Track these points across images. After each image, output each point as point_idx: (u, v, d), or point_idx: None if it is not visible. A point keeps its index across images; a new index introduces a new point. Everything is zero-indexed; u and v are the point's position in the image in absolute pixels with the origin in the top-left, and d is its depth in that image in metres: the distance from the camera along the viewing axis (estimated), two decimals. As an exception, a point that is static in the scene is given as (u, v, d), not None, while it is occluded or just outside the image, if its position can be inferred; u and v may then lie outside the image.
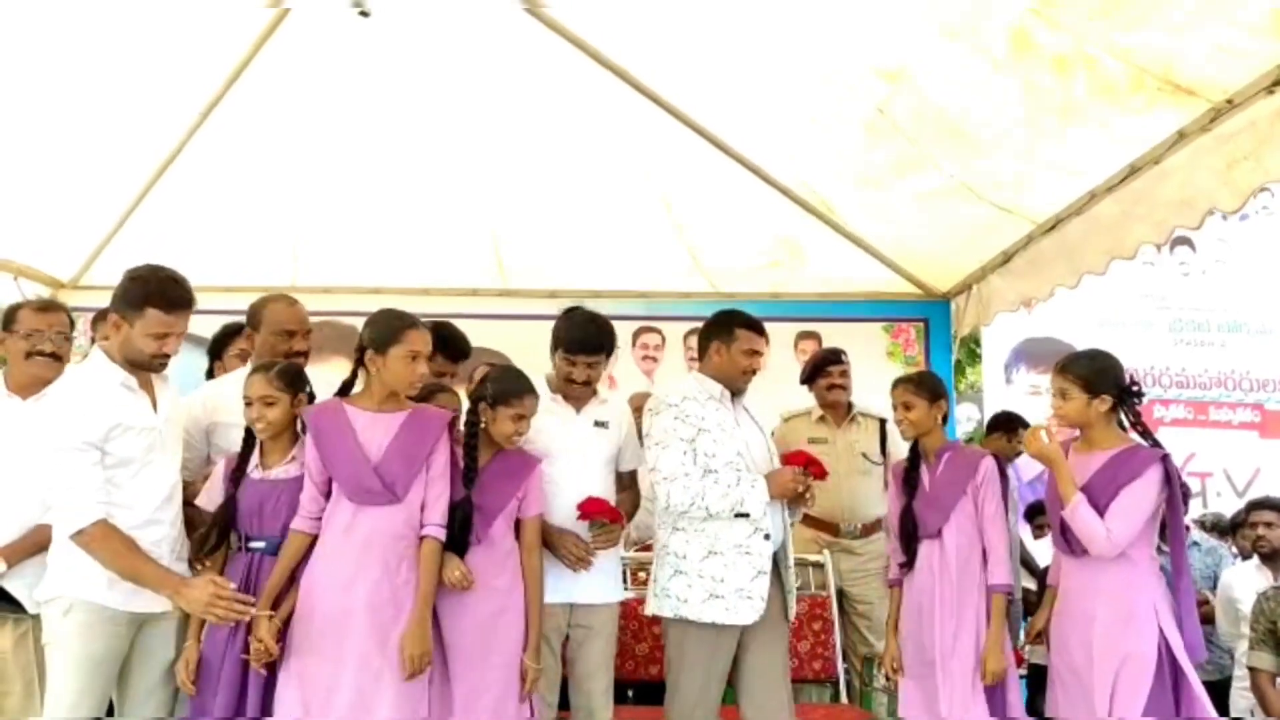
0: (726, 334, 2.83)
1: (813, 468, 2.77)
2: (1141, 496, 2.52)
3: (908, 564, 2.84)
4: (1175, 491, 2.58)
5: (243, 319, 3.87)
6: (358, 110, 4.10)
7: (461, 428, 2.61)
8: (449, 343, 3.34)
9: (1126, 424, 2.67)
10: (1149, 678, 2.45)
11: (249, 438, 2.53)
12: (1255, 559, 3.82)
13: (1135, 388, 2.66)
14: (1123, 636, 2.49)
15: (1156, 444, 2.63)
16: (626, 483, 2.94)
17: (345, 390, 2.55)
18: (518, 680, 2.50)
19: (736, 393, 2.86)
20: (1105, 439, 2.63)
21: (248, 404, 2.50)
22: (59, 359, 2.62)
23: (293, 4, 3.50)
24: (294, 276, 5.00)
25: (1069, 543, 2.64)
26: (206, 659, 2.37)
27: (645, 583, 3.75)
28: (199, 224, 4.53)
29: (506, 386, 2.57)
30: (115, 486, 2.31)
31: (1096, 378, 2.61)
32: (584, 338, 2.75)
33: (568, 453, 2.74)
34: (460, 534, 2.47)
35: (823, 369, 3.98)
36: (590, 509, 2.67)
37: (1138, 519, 2.53)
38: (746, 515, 2.66)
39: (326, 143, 4.26)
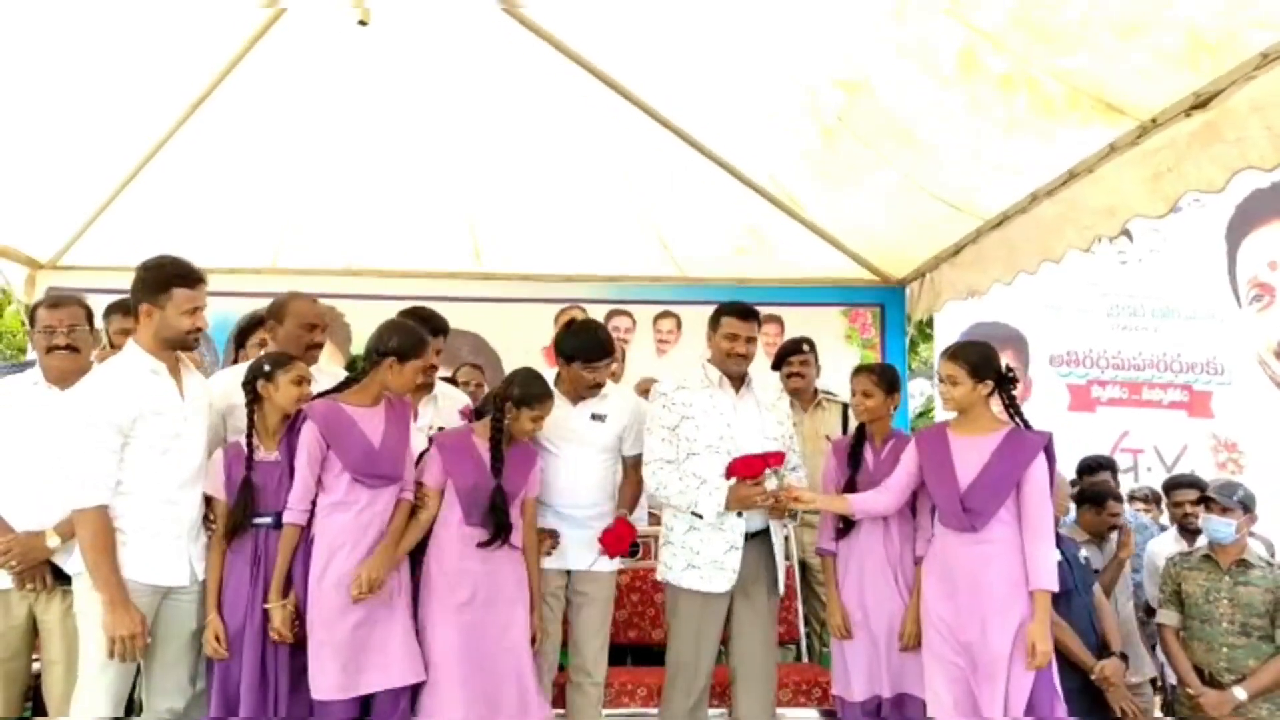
0: (714, 322, 3.03)
1: (771, 460, 2.84)
2: (1045, 485, 2.73)
3: (845, 531, 3.05)
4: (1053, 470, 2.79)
5: (228, 300, 4.08)
6: (342, 102, 4.23)
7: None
8: (431, 321, 3.41)
9: (1001, 407, 2.85)
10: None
11: (252, 425, 2.70)
12: (1174, 530, 4.17)
13: (1010, 374, 2.86)
14: (1017, 602, 2.66)
15: (1027, 425, 2.82)
16: (629, 467, 3.13)
17: (344, 387, 2.76)
18: (530, 627, 2.82)
19: (735, 377, 3.00)
20: (985, 422, 2.82)
21: (296, 384, 2.68)
22: (76, 350, 2.74)
23: (294, 6, 3.62)
24: (275, 259, 5.12)
25: (971, 520, 2.71)
26: (229, 629, 2.57)
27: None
28: (183, 209, 4.62)
29: (531, 392, 2.83)
30: (137, 467, 2.47)
31: (981, 364, 2.80)
32: (596, 346, 2.97)
33: (565, 443, 2.98)
34: (500, 518, 2.74)
35: (784, 359, 4.23)
36: (612, 548, 2.93)
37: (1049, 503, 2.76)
38: (700, 515, 2.85)
39: (310, 133, 4.38)
